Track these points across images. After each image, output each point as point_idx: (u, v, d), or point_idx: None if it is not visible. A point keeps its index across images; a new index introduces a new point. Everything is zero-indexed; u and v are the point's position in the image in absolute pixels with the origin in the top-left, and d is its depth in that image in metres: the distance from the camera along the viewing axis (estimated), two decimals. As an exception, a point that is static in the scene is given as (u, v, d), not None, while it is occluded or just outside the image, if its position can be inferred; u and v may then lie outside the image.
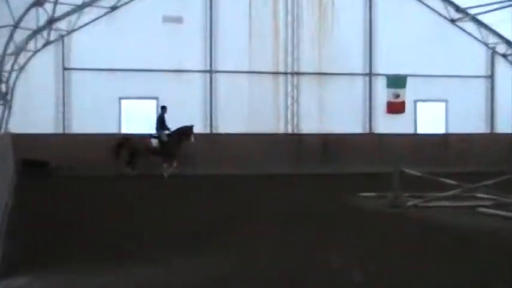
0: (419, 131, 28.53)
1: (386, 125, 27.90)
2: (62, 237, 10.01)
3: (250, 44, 26.76)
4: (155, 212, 13.24)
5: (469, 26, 28.69)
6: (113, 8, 25.10)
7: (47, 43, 23.72)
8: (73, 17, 24.46)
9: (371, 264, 8.12)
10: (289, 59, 27.29)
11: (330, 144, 26.47)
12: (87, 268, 8.02)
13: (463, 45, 28.69)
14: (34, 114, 24.25)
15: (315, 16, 27.54)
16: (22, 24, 14.28)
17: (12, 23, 12.90)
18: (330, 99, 27.47)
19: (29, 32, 18.47)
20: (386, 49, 27.91)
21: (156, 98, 25.77)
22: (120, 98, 25.61)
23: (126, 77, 25.46)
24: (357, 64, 27.95)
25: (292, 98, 27.27)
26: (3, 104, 12.76)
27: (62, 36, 24.68)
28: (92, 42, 25.13)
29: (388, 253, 8.85)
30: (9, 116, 18.65)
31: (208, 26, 26.39)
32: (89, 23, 24.99)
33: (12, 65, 18.02)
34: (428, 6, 28.27)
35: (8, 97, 16.35)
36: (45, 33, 22.61)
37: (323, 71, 27.55)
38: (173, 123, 24.93)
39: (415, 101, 28.42)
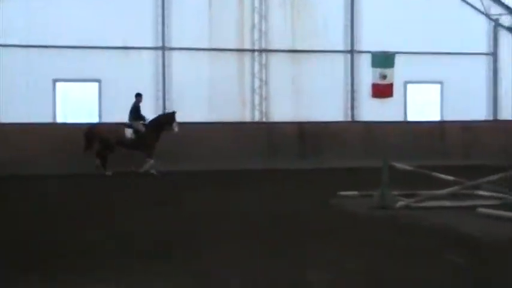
0: (410, 117, 28.32)
1: (372, 111, 27.64)
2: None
3: (210, 17, 26.33)
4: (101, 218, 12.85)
5: (468, -6, 28.60)
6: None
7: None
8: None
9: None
10: (257, 34, 26.87)
11: (307, 134, 26.07)
12: None
13: (461, 17, 28.47)
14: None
15: (287, -17, 27.21)
16: None
17: None
18: (305, 81, 27.12)
19: None
20: (372, 22, 27.64)
21: (98, 81, 25.34)
22: (55, 80, 25.09)
23: (62, 55, 24.90)
24: (337, 40, 27.65)
25: (261, 79, 26.86)
26: None
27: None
28: (21, 13, 24.58)
29: (371, 268, 8.52)
30: None
31: (160, -4, 26.01)
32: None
33: None
34: (420, -28, 28.13)
35: None
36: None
37: (297, 48, 27.20)
38: (118, 110, 24.46)
39: (405, 83, 28.21)
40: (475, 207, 13.11)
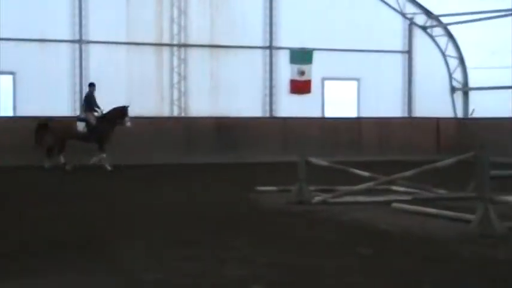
0: (328, 114, 28.57)
1: (290, 106, 27.75)
2: None
3: (128, 10, 25.95)
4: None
5: (384, -7, 28.98)
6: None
7: None
8: None
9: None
10: (175, 28, 26.62)
11: (225, 129, 26.06)
12: None
13: (378, 16, 28.81)
14: None
15: (206, -22, 27.06)
16: None
17: None
18: (224, 77, 27.03)
19: None
20: (290, 19, 27.68)
21: (13, 73, 24.71)
22: (-34, 73, 24.43)
23: (-27, 46, 24.25)
24: (256, 35, 27.62)
25: (179, 74, 26.65)
26: None
27: None
28: None
29: (282, 261, 8.54)
30: None
31: (76, -13, 25.52)
32: None
33: None
34: (338, -29, 28.35)
35: None
36: None
37: (216, 43, 27.07)
38: (34, 103, 24.08)
39: (323, 79, 28.41)
40: (389, 202, 13.32)
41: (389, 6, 28.86)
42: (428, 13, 29.34)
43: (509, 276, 7.85)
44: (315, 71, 27.93)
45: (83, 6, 25.38)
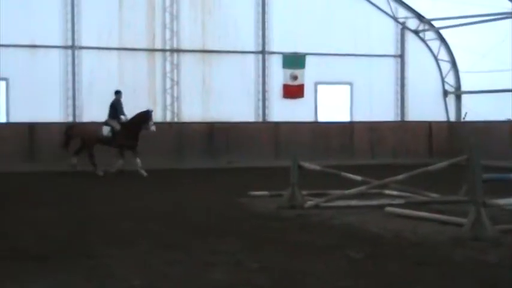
0: (321, 118, 28.53)
1: (283, 111, 27.67)
2: None
3: (120, 15, 25.86)
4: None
5: (377, -3, 28.96)
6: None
7: None
8: None
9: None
10: (168, 34, 26.51)
11: (218, 134, 25.98)
12: None
13: (370, 20, 28.77)
14: None
15: (198, -17, 26.98)
16: None
17: None
18: (217, 81, 26.94)
19: None
20: (283, 23, 27.61)
21: (5, 79, 24.58)
22: (-43, 79, 24.30)
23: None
24: (249, 40, 27.55)
25: (172, 79, 26.55)
26: None
27: None
28: None
29: (272, 265, 8.48)
30: None
31: (68, -7, 25.41)
32: None
33: None
34: (330, -25, 28.31)
35: None
36: None
37: (208, 48, 26.98)
38: (26, 109, 24.06)
39: (316, 84, 28.35)
40: (382, 206, 13.27)
41: (382, 10, 28.84)
42: (420, 17, 29.33)
43: (501, 279, 7.80)
44: (308, 76, 27.88)
45: (75, 11, 25.27)
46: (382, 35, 29.07)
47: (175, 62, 26.61)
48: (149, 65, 26.38)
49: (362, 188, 14.16)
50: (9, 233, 10.84)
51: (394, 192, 15.19)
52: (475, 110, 28.55)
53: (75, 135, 22.17)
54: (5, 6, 24.24)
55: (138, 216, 12.75)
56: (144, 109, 22.30)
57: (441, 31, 29.58)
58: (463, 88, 29.97)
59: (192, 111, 26.15)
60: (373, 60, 28.90)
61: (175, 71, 26.60)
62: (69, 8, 25.27)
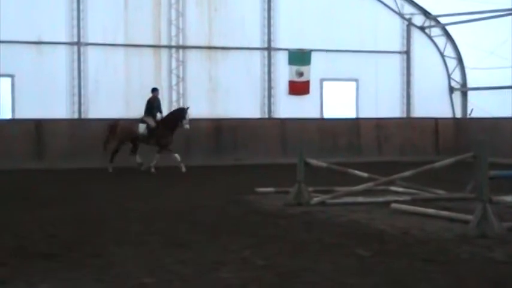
0: (326, 114, 28.52)
1: (289, 108, 27.68)
2: None
3: (126, 12, 25.88)
4: None
5: (382, -6, 28.92)
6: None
7: None
8: None
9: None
10: (174, 30, 26.54)
11: (224, 131, 26.02)
12: None
13: (376, 16, 28.73)
14: None
15: (204, -20, 26.98)
16: None
17: None
18: (222, 78, 26.96)
19: None
20: (289, 19, 27.60)
21: (12, 76, 24.64)
22: (-36, 76, 24.35)
23: (-28, 49, 24.18)
24: (254, 37, 27.53)
25: (178, 76, 26.58)
26: None
27: None
28: None
29: (279, 262, 8.49)
30: None
31: (74, -10, 25.44)
32: None
33: None
34: (336, -28, 28.26)
35: None
36: None
37: (214, 45, 26.99)
38: (32, 106, 24.12)
39: (322, 80, 28.35)
40: (388, 203, 13.27)
41: (388, 6, 28.80)
42: (426, 13, 29.29)
43: (508, 277, 7.81)
44: (314, 72, 27.87)
45: (81, 8, 25.31)
46: (388, 31, 29.02)
47: (181, 58, 26.63)
48: (155, 62, 26.40)
49: (368, 185, 14.16)
50: (18, 231, 10.86)
51: (400, 189, 15.20)
52: (481, 106, 28.51)
53: (118, 134, 22.08)
54: (11, 3, 24.28)
55: (146, 214, 12.75)
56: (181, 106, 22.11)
57: (447, 27, 29.54)
58: (469, 85, 29.93)
59: (198, 108, 26.07)
60: (379, 56, 28.87)
61: (181, 67, 26.62)
62: (75, 4, 25.30)
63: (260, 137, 26.30)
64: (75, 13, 25.32)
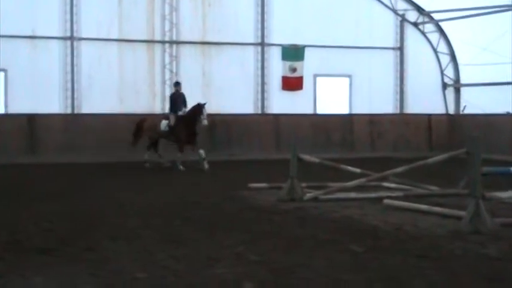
0: (320, 110, 28.55)
1: (282, 103, 27.71)
2: None
3: (120, 7, 25.84)
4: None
5: (376, -11, 28.94)
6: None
7: None
8: None
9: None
10: (167, 26, 26.53)
11: (217, 126, 26.00)
12: None
13: (369, 12, 28.76)
14: None
15: (198, -25, 26.95)
16: None
17: None
18: (216, 73, 26.95)
19: None
20: (282, 15, 27.60)
21: (4, 70, 24.59)
22: (-45, 70, 24.30)
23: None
24: (248, 32, 27.53)
25: (171, 71, 26.57)
26: None
27: None
28: None
29: (273, 258, 8.51)
30: None
31: (67, -15, 25.37)
32: None
33: None
34: (329, -32, 28.26)
35: None
36: None
37: (208, 40, 26.98)
38: (25, 100, 24.08)
39: (315, 76, 28.37)
40: (381, 198, 13.30)
41: (381, 2, 28.84)
42: (419, 9, 29.34)
43: (501, 273, 7.85)
44: (307, 68, 27.88)
45: (75, 2, 25.25)
46: (382, 27, 29.06)
47: (174, 53, 26.62)
48: (148, 57, 26.38)
49: (361, 181, 14.19)
50: (13, 226, 10.86)
51: (393, 185, 15.23)
52: (474, 103, 28.58)
53: (144, 129, 22.03)
54: (2, -3, 24.24)
55: (141, 210, 12.74)
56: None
57: (441, 23, 29.60)
58: (462, 81, 30.00)
59: (192, 103, 26.08)
60: (372, 52, 28.91)
61: (174, 62, 26.61)
62: (68, -1, 25.27)
63: (254, 132, 26.32)
64: (68, 7, 25.27)
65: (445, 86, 30.04)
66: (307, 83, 28.04)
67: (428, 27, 29.76)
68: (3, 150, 22.92)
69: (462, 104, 29.84)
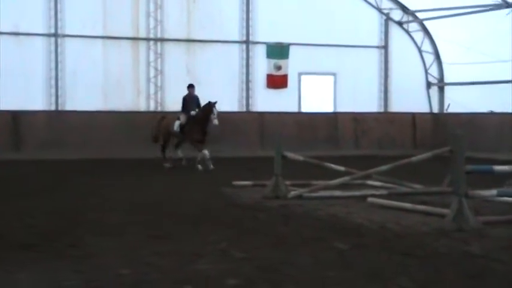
0: (305, 108, 28.58)
1: (267, 101, 27.73)
2: None
3: (104, 4, 25.79)
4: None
5: (361, -12, 29.00)
6: None
7: None
8: None
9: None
10: (152, 23, 26.49)
11: (202, 124, 25.95)
12: None
13: (354, 10, 28.86)
14: None
15: (182, -27, 26.90)
16: None
17: None
18: (201, 71, 26.92)
19: None
20: (267, 13, 27.64)
21: (-14, 68, 24.52)
22: None
23: None
24: (233, 30, 27.56)
25: (156, 68, 26.53)
26: None
27: None
28: None
29: (257, 255, 8.50)
30: None
31: (51, -20, 25.26)
32: None
33: None
34: (314, -34, 28.29)
35: None
36: None
37: (192, 38, 26.97)
38: (8, 98, 23.99)
39: (300, 74, 28.41)
40: (365, 196, 13.31)
41: (366, 1, 28.93)
42: (404, 8, 29.43)
43: (484, 270, 7.87)
44: (292, 66, 27.93)
45: (59, -1, 25.16)
46: (366, 26, 29.14)
47: (159, 51, 26.58)
48: (133, 54, 26.33)
49: (345, 179, 14.20)
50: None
51: (377, 183, 15.24)
52: (458, 101, 28.69)
53: (161, 127, 21.81)
54: (-12, -7, 24.12)
55: (125, 206, 12.70)
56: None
57: (425, 23, 29.71)
58: (446, 80, 30.11)
59: (177, 100, 26.02)
60: (356, 51, 28.98)
61: (159, 60, 26.58)
62: (52, -5, 25.16)
63: (239, 130, 26.31)
64: (52, 4, 25.19)
65: (429, 84, 30.15)
66: (292, 81, 28.08)
67: (413, 26, 29.86)
68: None
69: (446, 103, 29.95)
